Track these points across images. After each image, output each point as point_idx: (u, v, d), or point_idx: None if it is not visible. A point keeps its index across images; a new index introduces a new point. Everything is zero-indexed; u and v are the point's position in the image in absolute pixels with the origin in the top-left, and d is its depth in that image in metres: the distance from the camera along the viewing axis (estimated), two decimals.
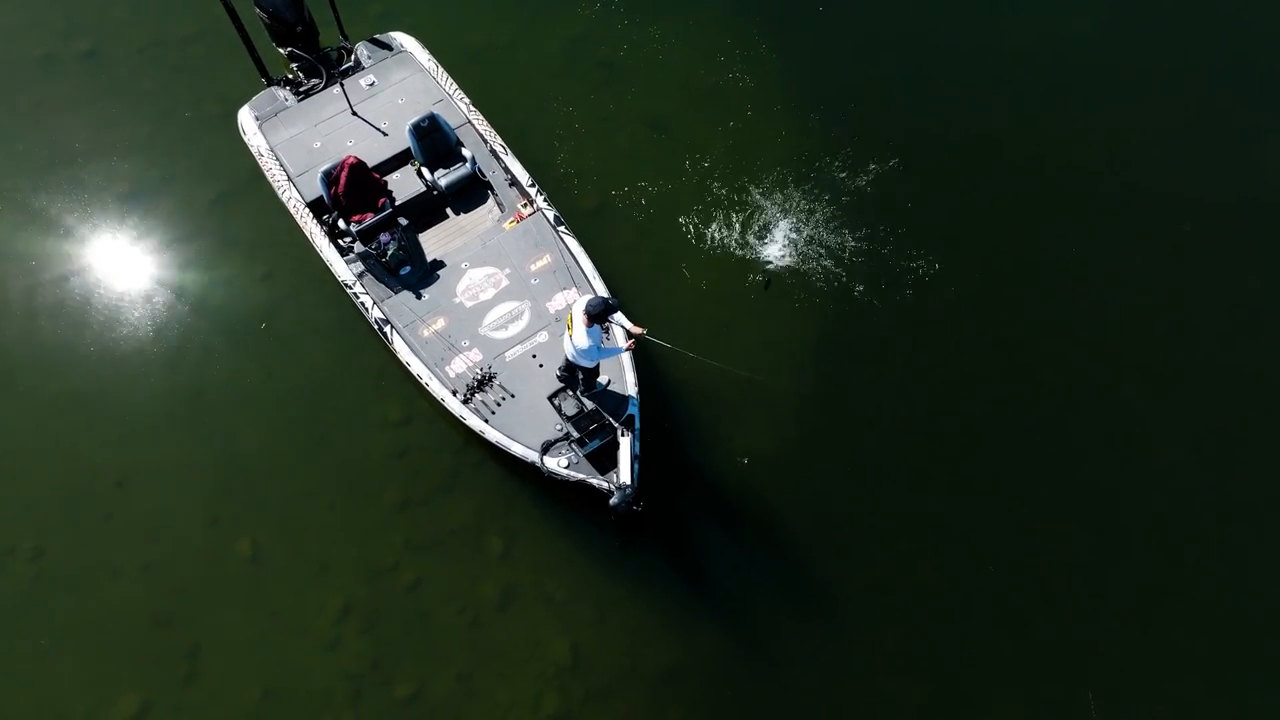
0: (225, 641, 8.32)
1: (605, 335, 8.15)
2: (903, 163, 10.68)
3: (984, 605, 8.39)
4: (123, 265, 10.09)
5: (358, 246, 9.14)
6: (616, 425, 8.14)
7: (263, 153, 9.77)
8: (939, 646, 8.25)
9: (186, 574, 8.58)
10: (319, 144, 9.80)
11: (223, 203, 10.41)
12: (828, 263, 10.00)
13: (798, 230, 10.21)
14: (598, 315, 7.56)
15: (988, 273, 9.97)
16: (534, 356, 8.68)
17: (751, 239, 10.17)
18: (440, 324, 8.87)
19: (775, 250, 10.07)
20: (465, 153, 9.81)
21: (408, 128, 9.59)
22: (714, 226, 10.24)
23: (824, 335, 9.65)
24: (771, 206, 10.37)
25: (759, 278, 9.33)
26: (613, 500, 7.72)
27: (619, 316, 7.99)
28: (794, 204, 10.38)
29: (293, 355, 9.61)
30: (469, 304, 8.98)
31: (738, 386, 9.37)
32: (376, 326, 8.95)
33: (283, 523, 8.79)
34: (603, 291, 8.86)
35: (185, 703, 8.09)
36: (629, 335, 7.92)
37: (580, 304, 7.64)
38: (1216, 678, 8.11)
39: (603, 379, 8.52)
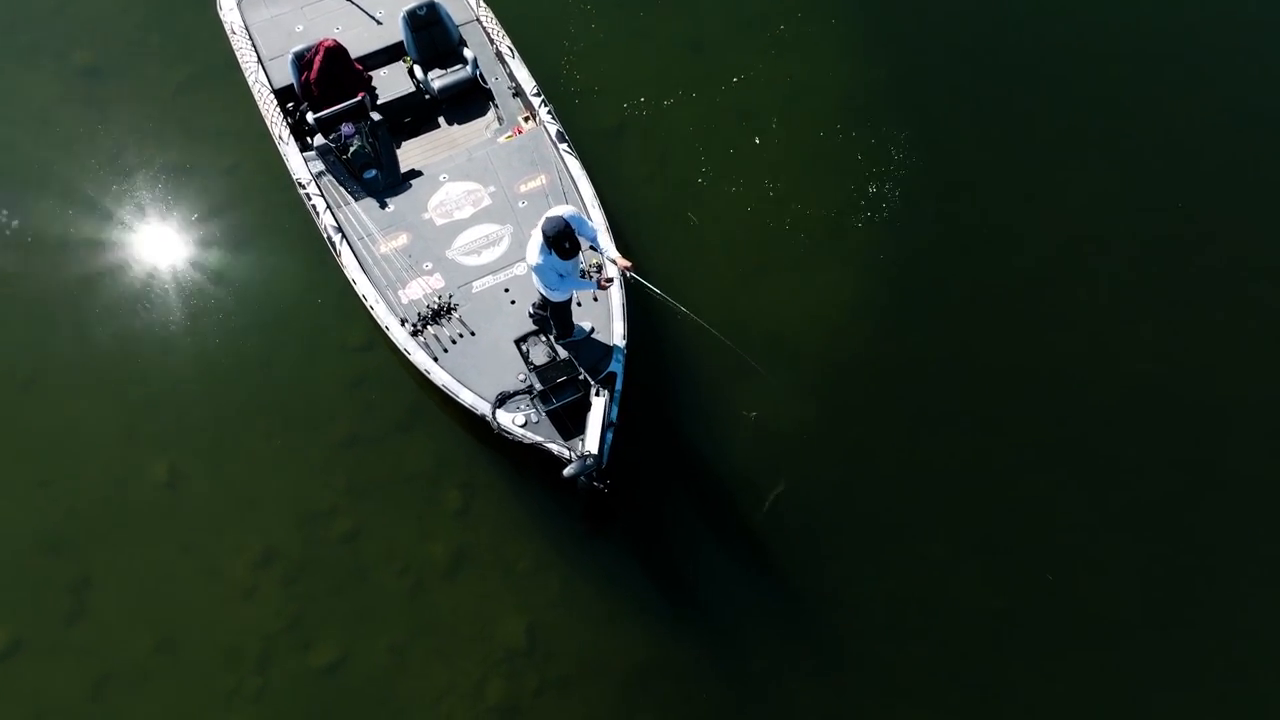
0: (122, 578, 7.05)
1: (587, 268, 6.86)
2: (977, 111, 9.22)
3: (1033, 629, 6.92)
4: (72, 142, 8.86)
5: (317, 139, 7.86)
6: (592, 382, 6.76)
7: (236, 30, 8.60)
8: (973, 674, 6.80)
9: (89, 495, 7.32)
10: (301, 28, 8.62)
11: (193, 85, 9.20)
12: (878, 216, 8.59)
13: (845, 173, 8.80)
14: (553, 239, 6.19)
15: (1067, 244, 8.49)
16: (506, 290, 7.37)
17: (792, 179, 8.78)
18: (401, 240, 7.58)
19: (815, 197, 8.69)
20: (467, 54, 8.53)
21: (402, 15, 8.33)
22: (748, 161, 8.86)
23: (866, 299, 8.24)
24: (817, 148, 8.98)
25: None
26: (568, 470, 6.36)
27: (606, 245, 6.66)
28: (844, 146, 8.99)
29: (247, 259, 8.35)
30: (440, 221, 7.67)
31: (756, 345, 7.96)
32: (325, 235, 7.68)
33: (209, 447, 7.52)
34: (600, 221, 7.48)
35: (63, 644, 6.82)
36: (616, 267, 6.57)
37: (553, 212, 6.34)
38: None
39: (585, 324, 7.17)
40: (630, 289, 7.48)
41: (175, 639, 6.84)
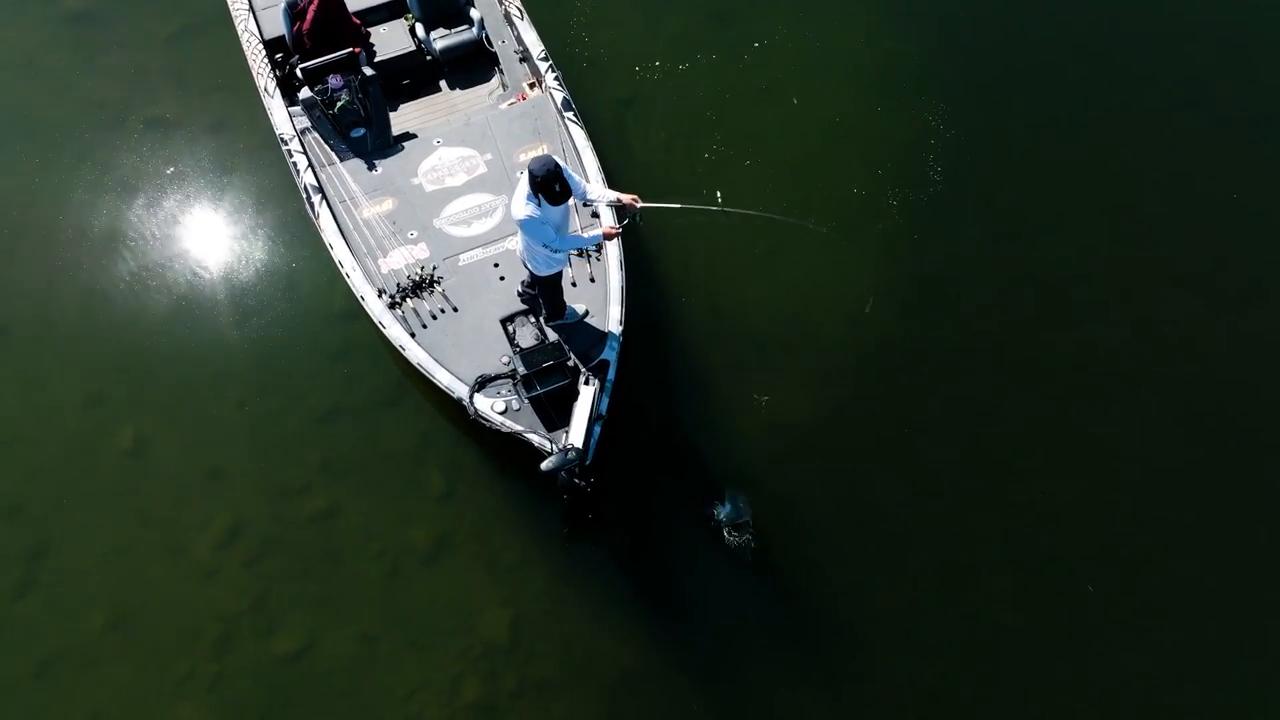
0: (78, 550, 6.58)
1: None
2: (1017, 89, 8.61)
3: (1070, 648, 6.32)
4: (54, 90, 8.42)
5: (303, 92, 7.36)
6: (582, 369, 6.19)
7: None
8: (999, 697, 6.20)
9: (48, 459, 6.86)
10: None
11: (186, 36, 8.75)
12: (907, 198, 8.02)
13: (872, 152, 8.23)
14: (542, 179, 5.52)
15: (1111, 234, 7.87)
16: (496, 265, 6.83)
17: (815, 157, 8.23)
18: (386, 205, 7.06)
19: (839, 176, 8.13)
20: (473, 14, 8.03)
21: None
22: (769, 137, 8.31)
23: (890, 287, 7.66)
24: (844, 125, 8.43)
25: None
26: (546, 464, 5.77)
27: (603, 192, 6.08)
28: (872, 124, 8.42)
29: (228, 218, 7.89)
30: (430, 188, 7.14)
31: (768, 331, 7.44)
32: (305, 195, 7.17)
33: (178, 414, 7.04)
34: (605, 195, 6.94)
35: (11, 617, 6.35)
36: (617, 212, 6.01)
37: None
38: None
39: (579, 306, 6.61)
40: (630, 266, 6.90)
41: (129, 617, 6.36)
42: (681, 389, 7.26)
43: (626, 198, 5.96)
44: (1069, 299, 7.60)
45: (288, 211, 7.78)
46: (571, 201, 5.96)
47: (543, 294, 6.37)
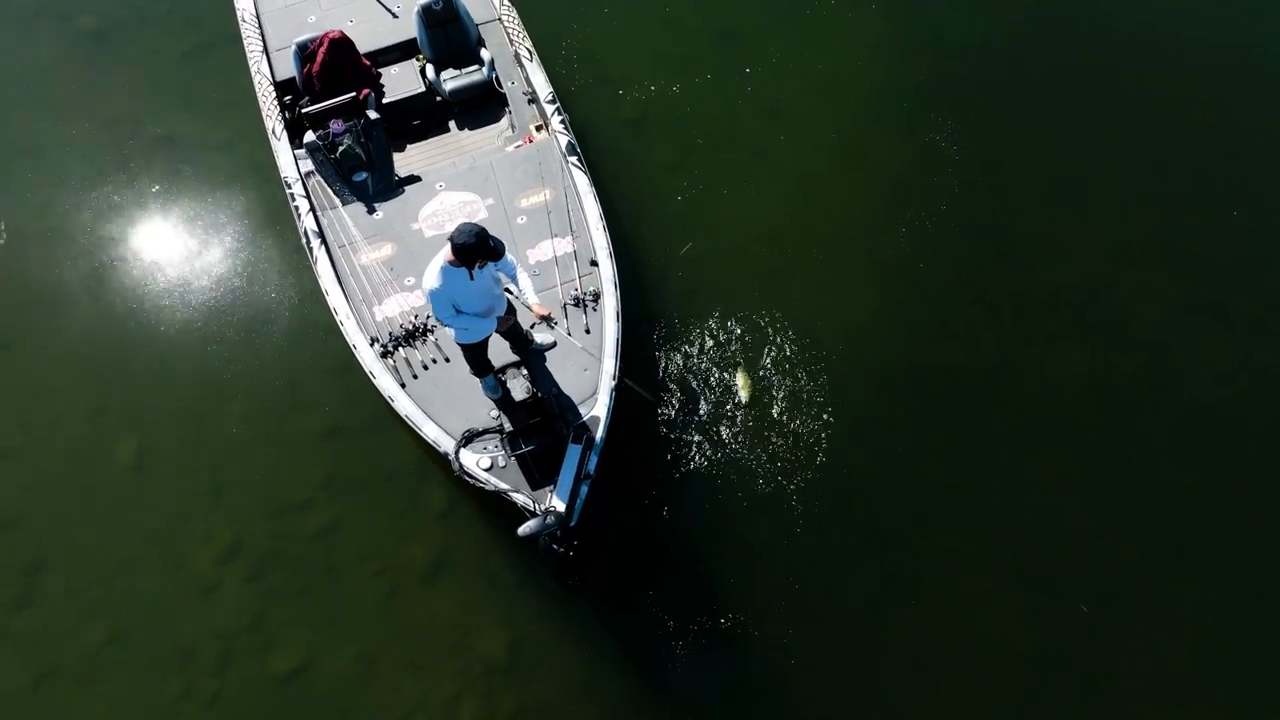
0: (77, 564, 6.58)
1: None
2: (1024, 112, 8.64)
3: (1080, 673, 6.26)
4: (65, 107, 8.51)
5: (308, 135, 7.33)
6: (569, 426, 6.02)
7: (246, 18, 8.15)
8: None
9: (50, 472, 6.88)
10: (314, 18, 8.15)
11: (198, 55, 8.86)
12: (914, 220, 8.03)
13: (879, 174, 8.28)
14: (466, 250, 5.15)
15: (1120, 257, 7.86)
16: None
17: (822, 179, 8.26)
18: (385, 251, 6.99)
19: (846, 198, 8.17)
20: (484, 55, 8.01)
21: (416, 9, 7.80)
22: (776, 157, 8.36)
23: (899, 308, 7.63)
24: (851, 147, 8.47)
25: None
26: (525, 528, 5.57)
27: (527, 285, 5.67)
28: (880, 145, 8.45)
29: (234, 239, 7.94)
30: (429, 233, 7.08)
31: (781, 349, 7.44)
32: (305, 239, 7.13)
33: (181, 429, 7.06)
34: (603, 244, 6.86)
35: (9, 631, 6.35)
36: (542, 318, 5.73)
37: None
38: None
39: (545, 337, 6.45)
40: (628, 323, 6.83)
41: (128, 633, 6.35)
42: (682, 402, 7.27)
43: (541, 310, 5.64)
44: (1078, 322, 7.59)
45: (294, 229, 7.81)
46: (503, 283, 5.77)
47: (472, 361, 6.11)
